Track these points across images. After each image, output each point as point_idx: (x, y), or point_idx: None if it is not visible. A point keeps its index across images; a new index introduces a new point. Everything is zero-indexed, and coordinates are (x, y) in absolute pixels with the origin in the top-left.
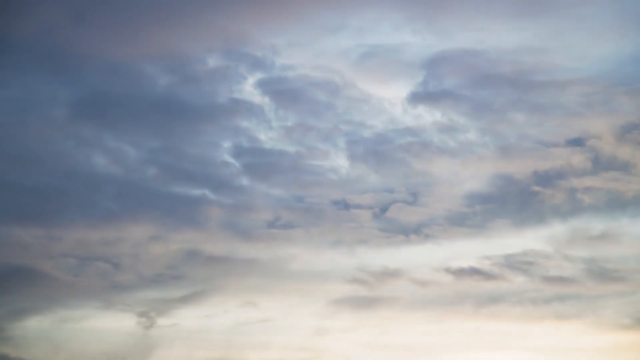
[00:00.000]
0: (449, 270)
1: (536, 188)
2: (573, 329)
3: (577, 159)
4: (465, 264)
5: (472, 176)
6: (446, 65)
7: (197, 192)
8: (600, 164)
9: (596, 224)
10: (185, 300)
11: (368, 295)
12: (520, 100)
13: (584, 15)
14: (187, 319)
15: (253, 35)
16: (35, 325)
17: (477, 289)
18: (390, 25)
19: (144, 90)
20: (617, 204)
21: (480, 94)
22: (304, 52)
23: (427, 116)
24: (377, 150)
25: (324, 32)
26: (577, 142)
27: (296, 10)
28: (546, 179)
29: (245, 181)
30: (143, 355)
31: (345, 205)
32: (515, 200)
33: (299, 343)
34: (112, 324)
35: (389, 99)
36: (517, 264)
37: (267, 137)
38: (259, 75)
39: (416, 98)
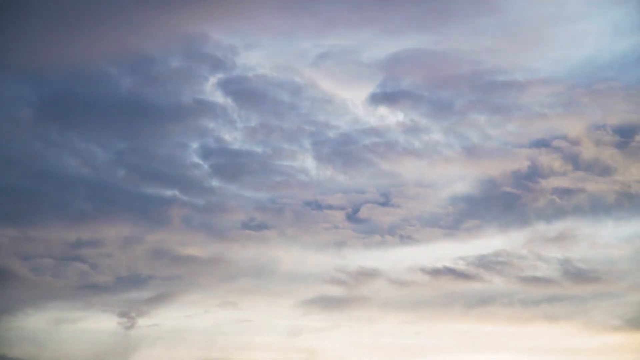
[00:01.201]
0: (426, 271)
1: (506, 189)
2: (561, 330)
3: (544, 159)
4: (441, 264)
5: (441, 177)
6: (404, 66)
7: (168, 193)
8: (568, 165)
9: (565, 226)
10: (164, 300)
11: (347, 295)
12: (481, 101)
13: (541, 17)
14: (168, 319)
15: (212, 36)
16: (17, 325)
17: (454, 289)
18: (346, 26)
19: (108, 91)
20: (585, 204)
21: (440, 94)
22: (262, 52)
23: (391, 117)
24: (343, 150)
25: (280, 32)
26: (542, 143)
27: (252, 11)
28: (515, 180)
29: (215, 182)
30: (125, 355)
31: (317, 206)
32: (487, 201)
33: (280, 343)
34: (93, 324)
35: (351, 100)
36: (491, 264)
37: (233, 138)
38: (220, 76)
39: (376, 99)
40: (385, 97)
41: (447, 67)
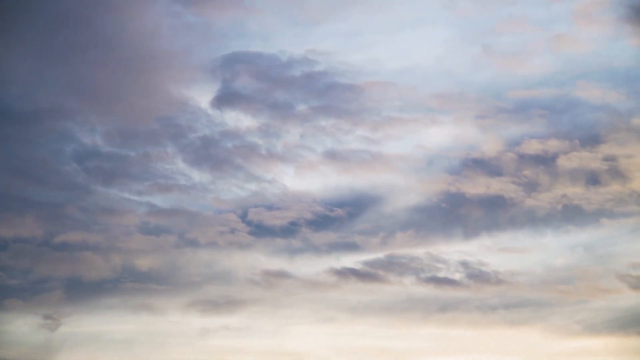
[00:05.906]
0: (331, 272)
1: (379, 193)
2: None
3: (408, 164)
4: (341, 265)
5: (315, 182)
6: (239, 70)
7: (56, 196)
8: (424, 169)
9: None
10: (82, 303)
11: (260, 296)
12: (322, 105)
13: (377, 17)
14: (89, 323)
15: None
16: None
17: (372, 290)
18: (172, 29)
19: None
20: (468, 206)
21: (276, 98)
22: (99, 54)
23: (244, 120)
24: (208, 154)
25: (109, 35)
26: (402, 147)
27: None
28: (389, 184)
29: (98, 186)
30: (47, 358)
31: (207, 209)
32: (369, 205)
33: (195, 344)
34: (14, 326)
35: (201, 102)
36: (392, 266)
37: (94, 141)
38: (66, 78)
39: (216, 103)
40: (223, 101)
41: (278, 70)
